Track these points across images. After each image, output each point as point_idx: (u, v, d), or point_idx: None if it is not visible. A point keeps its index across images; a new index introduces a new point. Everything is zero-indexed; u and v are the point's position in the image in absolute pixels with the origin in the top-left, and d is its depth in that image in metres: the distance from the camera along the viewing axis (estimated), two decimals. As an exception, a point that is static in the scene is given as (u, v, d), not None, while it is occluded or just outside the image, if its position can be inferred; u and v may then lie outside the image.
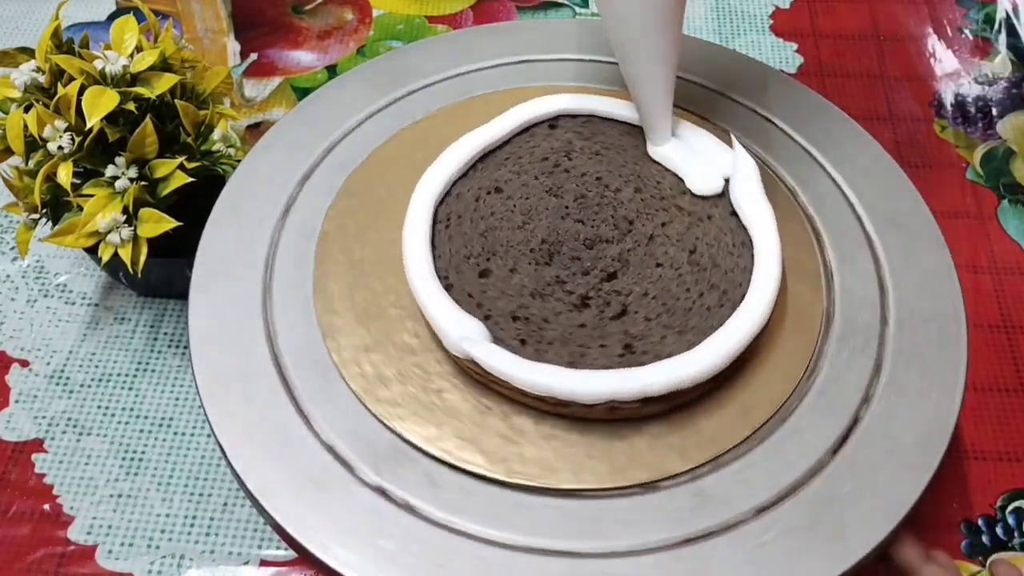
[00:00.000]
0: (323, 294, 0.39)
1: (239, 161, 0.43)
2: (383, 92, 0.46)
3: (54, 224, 0.42)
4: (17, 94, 0.41)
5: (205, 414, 0.35)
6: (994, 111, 0.58)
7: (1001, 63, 0.61)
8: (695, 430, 0.35)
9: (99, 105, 0.39)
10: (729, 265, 0.37)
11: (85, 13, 0.63)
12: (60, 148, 0.39)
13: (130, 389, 0.45)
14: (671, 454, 0.34)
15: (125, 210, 0.40)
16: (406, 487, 0.34)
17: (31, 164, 0.41)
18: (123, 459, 0.43)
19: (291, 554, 0.40)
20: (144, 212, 0.40)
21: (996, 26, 0.63)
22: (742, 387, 0.36)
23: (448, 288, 0.37)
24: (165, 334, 0.47)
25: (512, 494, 0.33)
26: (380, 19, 0.63)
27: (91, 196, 0.40)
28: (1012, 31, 0.63)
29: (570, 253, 0.38)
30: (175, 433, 0.44)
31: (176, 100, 0.41)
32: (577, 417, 0.35)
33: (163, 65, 0.42)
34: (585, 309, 0.36)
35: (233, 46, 0.61)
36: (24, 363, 0.46)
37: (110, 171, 0.40)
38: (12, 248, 0.51)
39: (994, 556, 0.41)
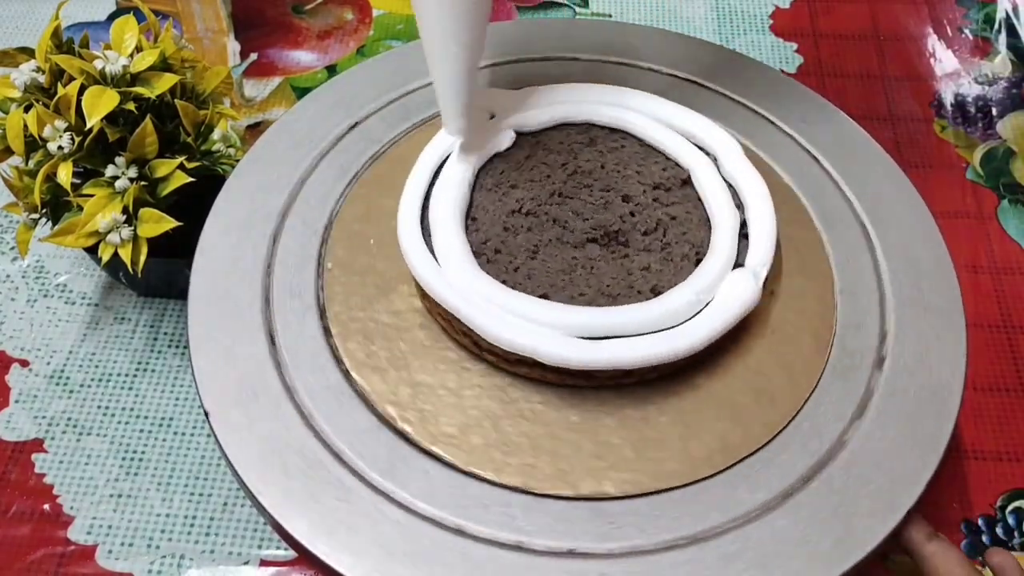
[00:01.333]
0: (324, 292, 0.39)
1: (239, 161, 0.43)
2: (382, 91, 0.46)
3: (54, 224, 0.42)
4: (17, 94, 0.41)
5: (205, 413, 0.35)
6: (994, 111, 0.58)
7: (1001, 63, 0.61)
8: (696, 430, 0.35)
9: (99, 105, 0.39)
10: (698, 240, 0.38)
11: (85, 13, 0.63)
12: (60, 148, 0.39)
13: (130, 389, 0.45)
14: (672, 456, 0.34)
15: (125, 210, 0.40)
16: (407, 486, 0.34)
17: (31, 164, 0.41)
18: (123, 459, 0.43)
19: (291, 554, 0.40)
20: (144, 212, 0.40)
21: (996, 26, 0.63)
22: (743, 389, 0.36)
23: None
24: (165, 334, 0.47)
25: (517, 495, 0.33)
26: (380, 19, 0.63)
27: (91, 196, 0.40)
28: (1012, 31, 0.63)
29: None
30: (175, 433, 0.44)
31: (176, 100, 0.41)
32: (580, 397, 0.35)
33: (163, 65, 0.42)
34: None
35: (233, 46, 0.61)
36: (24, 363, 0.46)
37: (110, 171, 0.40)
38: (12, 248, 0.51)
39: (991, 548, 0.40)
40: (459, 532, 0.32)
